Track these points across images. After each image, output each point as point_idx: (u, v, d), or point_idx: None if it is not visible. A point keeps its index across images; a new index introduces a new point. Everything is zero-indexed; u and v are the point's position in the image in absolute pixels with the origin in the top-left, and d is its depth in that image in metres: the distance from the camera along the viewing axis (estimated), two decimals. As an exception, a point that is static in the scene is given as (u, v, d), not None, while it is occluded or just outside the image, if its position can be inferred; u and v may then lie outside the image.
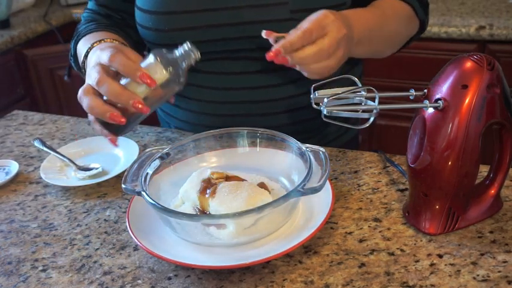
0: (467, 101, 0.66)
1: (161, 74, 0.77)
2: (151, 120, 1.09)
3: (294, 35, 0.77)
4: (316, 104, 0.73)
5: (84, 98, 0.78)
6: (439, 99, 0.67)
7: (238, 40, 0.92)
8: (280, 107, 0.98)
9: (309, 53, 0.78)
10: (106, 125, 0.80)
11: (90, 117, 0.82)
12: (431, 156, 0.68)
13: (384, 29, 0.95)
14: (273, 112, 0.99)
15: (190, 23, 0.91)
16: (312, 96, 0.74)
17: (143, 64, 0.78)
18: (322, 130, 1.05)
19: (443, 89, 0.67)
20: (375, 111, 0.67)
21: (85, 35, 0.97)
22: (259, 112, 0.98)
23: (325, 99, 0.68)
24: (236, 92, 0.97)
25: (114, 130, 0.82)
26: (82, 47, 0.95)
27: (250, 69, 0.95)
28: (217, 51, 0.94)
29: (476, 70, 0.66)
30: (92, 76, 0.78)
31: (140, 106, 0.76)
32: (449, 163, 0.67)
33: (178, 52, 0.79)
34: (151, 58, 0.78)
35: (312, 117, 1.01)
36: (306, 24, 0.78)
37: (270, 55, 0.78)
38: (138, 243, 0.71)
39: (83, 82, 0.83)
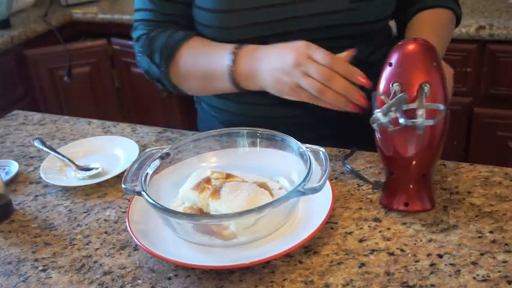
0: None
1: None
2: (155, 121, 1.09)
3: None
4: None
5: (334, 80, 0.83)
6: None
7: (298, 33, 0.92)
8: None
9: None
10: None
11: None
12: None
13: (441, 49, 0.96)
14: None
15: (252, 20, 0.93)
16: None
17: None
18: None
19: None
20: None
21: (189, 43, 0.97)
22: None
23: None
24: None
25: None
26: (209, 55, 0.95)
27: None
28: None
29: None
30: (315, 71, 0.83)
31: (363, 100, 0.84)
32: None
33: None
34: None
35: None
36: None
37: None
38: (138, 243, 0.71)
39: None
